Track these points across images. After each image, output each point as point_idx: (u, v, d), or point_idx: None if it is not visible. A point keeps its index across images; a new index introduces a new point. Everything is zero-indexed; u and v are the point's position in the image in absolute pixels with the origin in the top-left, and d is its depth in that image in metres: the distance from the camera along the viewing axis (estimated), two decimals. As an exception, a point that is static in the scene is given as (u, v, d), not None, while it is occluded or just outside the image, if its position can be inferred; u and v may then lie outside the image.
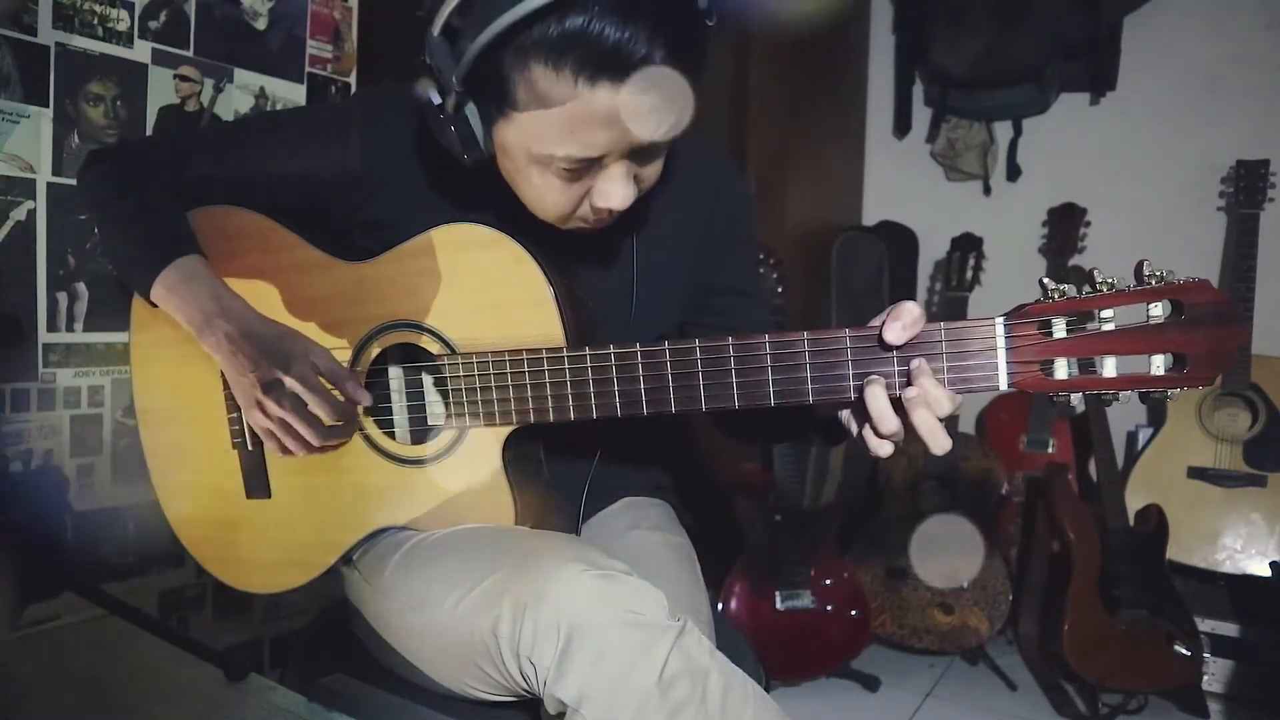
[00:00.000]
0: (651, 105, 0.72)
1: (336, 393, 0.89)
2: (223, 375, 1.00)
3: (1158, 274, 0.69)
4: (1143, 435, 2.22)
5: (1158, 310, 0.69)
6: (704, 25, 0.75)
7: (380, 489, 0.94)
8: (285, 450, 0.90)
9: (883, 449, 0.78)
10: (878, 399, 0.73)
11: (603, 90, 0.70)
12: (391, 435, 0.95)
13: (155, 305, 0.92)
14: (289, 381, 0.85)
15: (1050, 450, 2.25)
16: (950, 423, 2.39)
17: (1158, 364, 0.70)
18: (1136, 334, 0.69)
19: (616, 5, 0.67)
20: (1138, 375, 0.70)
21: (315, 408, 0.87)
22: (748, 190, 1.08)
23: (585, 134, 0.73)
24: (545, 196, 0.81)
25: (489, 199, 0.91)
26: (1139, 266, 0.69)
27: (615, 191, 0.79)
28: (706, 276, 1.03)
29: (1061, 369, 0.71)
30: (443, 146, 0.80)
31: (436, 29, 0.72)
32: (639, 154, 0.78)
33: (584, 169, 0.77)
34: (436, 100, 0.75)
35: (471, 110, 0.76)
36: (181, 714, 0.91)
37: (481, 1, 0.69)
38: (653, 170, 0.82)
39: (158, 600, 1.48)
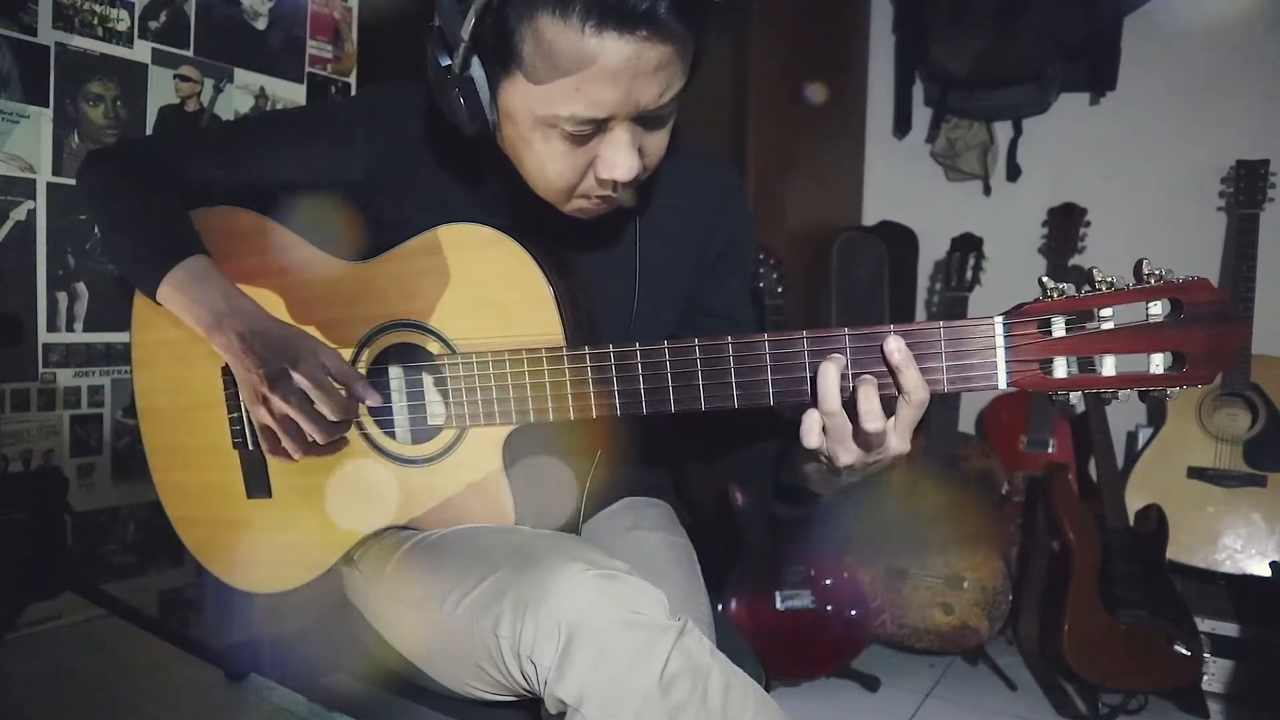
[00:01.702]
0: (657, 62, 0.73)
1: (342, 391, 0.89)
2: (223, 375, 1.00)
3: (1157, 273, 0.68)
4: (1143, 435, 2.22)
5: (1157, 309, 0.69)
6: None
7: (380, 489, 0.94)
8: (282, 452, 0.90)
9: (811, 436, 0.75)
10: (829, 377, 0.72)
11: (609, 39, 0.70)
12: (392, 435, 0.95)
13: (160, 305, 0.92)
14: (296, 377, 0.85)
15: (1050, 450, 2.25)
16: (950, 422, 2.37)
17: (1157, 363, 0.69)
18: (1136, 333, 0.69)
19: None
20: (1137, 374, 0.70)
21: (321, 405, 0.87)
22: (749, 213, 1.08)
23: (591, 90, 0.73)
24: (548, 165, 0.80)
25: (491, 199, 0.91)
26: (1138, 265, 0.69)
27: (619, 160, 0.78)
28: (699, 294, 1.03)
29: (1060, 368, 0.71)
30: (442, 138, 0.80)
31: None
32: (644, 120, 0.78)
33: (589, 133, 0.77)
34: (444, 62, 0.76)
35: (477, 69, 0.76)
36: (181, 714, 0.91)
37: None
38: (657, 144, 0.82)
39: (158, 600, 1.48)
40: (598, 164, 0.80)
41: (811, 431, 0.75)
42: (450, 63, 0.76)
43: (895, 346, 0.71)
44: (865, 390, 0.72)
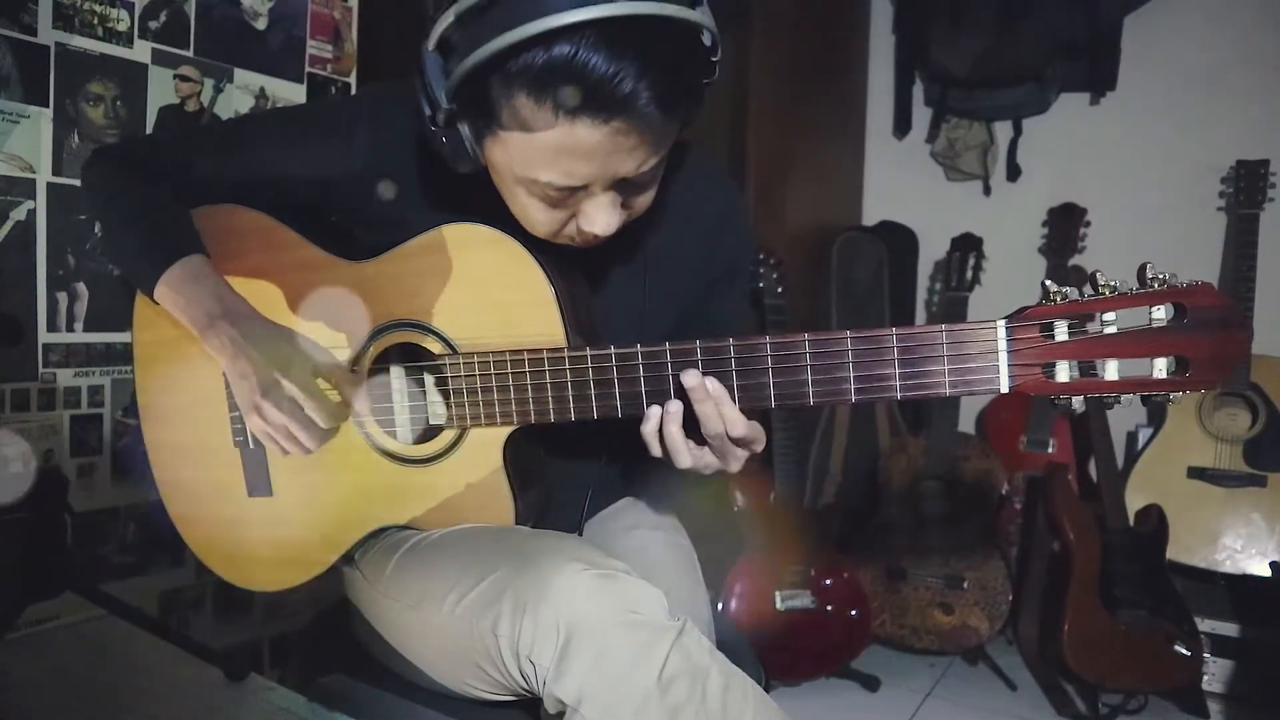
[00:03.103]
0: (634, 144, 0.72)
1: (334, 394, 0.89)
2: (224, 374, 1.00)
3: (1160, 277, 0.68)
4: (1143, 435, 2.22)
5: (1160, 313, 0.69)
6: (703, 69, 0.74)
7: (381, 488, 0.94)
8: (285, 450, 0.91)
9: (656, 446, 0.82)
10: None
11: (583, 127, 0.69)
12: (393, 435, 0.95)
13: (158, 303, 0.92)
14: (287, 386, 0.86)
15: (1050, 450, 2.25)
16: (950, 422, 2.37)
17: (1160, 367, 0.69)
18: (1139, 337, 0.69)
19: (606, 40, 0.65)
20: (1140, 379, 0.70)
21: (311, 412, 0.87)
22: (750, 230, 1.09)
23: (567, 165, 0.73)
24: (531, 216, 0.81)
25: (492, 199, 0.91)
26: (1142, 269, 0.69)
27: (599, 218, 0.78)
28: (700, 304, 1.03)
29: (1063, 371, 0.71)
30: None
31: (431, 44, 0.72)
32: (624, 186, 0.78)
33: (568, 195, 0.77)
34: (428, 112, 0.75)
35: (462, 125, 0.76)
36: (181, 714, 0.91)
37: (475, 22, 0.68)
38: (642, 200, 0.82)
39: (158, 600, 1.48)
40: (579, 218, 0.79)
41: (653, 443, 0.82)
42: (433, 114, 0.75)
43: (694, 383, 0.77)
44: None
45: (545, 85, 0.67)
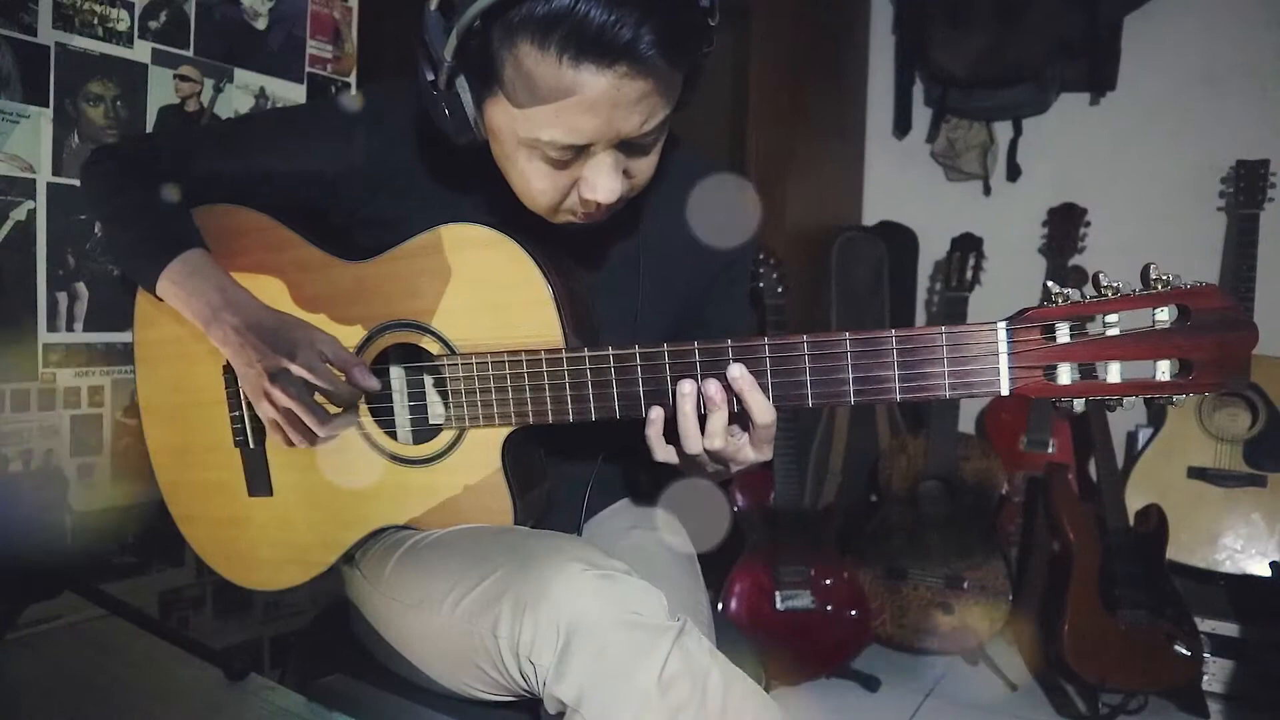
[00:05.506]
0: (637, 95, 0.72)
1: (342, 378, 0.89)
2: (225, 373, 1.00)
3: (1164, 278, 0.67)
4: (1143, 435, 2.22)
5: (1164, 315, 0.68)
6: (702, 22, 0.74)
7: (381, 488, 0.94)
8: (289, 442, 0.90)
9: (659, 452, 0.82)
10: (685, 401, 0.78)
11: (586, 73, 0.69)
12: (393, 435, 0.95)
13: (160, 299, 0.92)
14: (295, 369, 0.85)
15: (1050, 450, 2.24)
16: (950, 422, 2.37)
17: (1163, 369, 0.69)
18: (1142, 339, 0.68)
19: None
20: (1142, 381, 0.69)
21: (322, 394, 0.87)
22: (755, 231, 1.08)
23: (570, 119, 0.73)
24: (532, 183, 0.80)
25: (491, 199, 0.91)
26: (1146, 270, 0.68)
27: (602, 183, 0.78)
28: (700, 303, 1.03)
29: (1065, 374, 0.70)
30: (441, 138, 0.81)
31: (433, 3, 0.73)
32: (628, 147, 0.78)
33: (571, 157, 0.77)
34: (429, 76, 0.75)
35: (463, 87, 0.76)
36: (181, 714, 0.91)
37: None
38: (643, 166, 0.81)
39: (158, 600, 1.48)
40: (580, 185, 0.79)
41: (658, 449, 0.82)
42: (434, 78, 0.75)
43: (739, 373, 0.75)
44: (713, 416, 0.77)
45: (549, 32, 0.68)
